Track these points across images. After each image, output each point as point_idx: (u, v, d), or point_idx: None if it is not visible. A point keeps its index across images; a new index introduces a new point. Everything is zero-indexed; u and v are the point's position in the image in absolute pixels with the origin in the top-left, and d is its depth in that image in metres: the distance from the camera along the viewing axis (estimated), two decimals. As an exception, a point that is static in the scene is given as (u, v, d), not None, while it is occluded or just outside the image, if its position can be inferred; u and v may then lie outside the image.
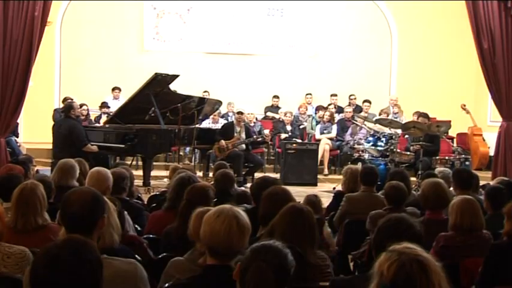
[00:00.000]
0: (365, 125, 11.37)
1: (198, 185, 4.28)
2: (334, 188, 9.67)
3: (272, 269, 2.14)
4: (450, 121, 12.24)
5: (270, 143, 12.27)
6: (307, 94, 14.11)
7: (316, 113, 13.26)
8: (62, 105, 11.60)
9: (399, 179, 5.34)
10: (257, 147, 11.67)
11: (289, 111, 13.00)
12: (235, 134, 10.61)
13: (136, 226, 4.54)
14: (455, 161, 9.77)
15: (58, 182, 5.23)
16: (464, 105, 12.65)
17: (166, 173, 9.44)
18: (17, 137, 11.68)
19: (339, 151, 12.21)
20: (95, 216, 2.79)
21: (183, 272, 3.05)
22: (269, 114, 13.88)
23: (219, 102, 11.13)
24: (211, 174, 9.33)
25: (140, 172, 9.59)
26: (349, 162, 9.87)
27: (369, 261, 2.98)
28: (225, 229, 2.65)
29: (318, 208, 4.91)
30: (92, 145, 9.07)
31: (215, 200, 4.18)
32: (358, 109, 13.33)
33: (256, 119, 12.72)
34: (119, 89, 13.26)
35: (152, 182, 9.44)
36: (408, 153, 10.23)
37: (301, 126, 12.94)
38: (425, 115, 10.60)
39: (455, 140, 13.14)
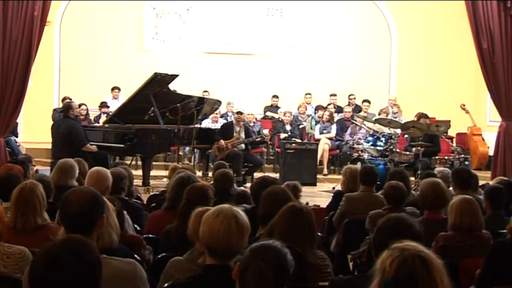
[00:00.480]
0: (364, 124, 11.37)
1: (198, 184, 4.28)
2: (333, 188, 9.67)
3: (271, 268, 2.14)
4: (449, 121, 12.23)
5: (269, 142, 12.27)
6: (306, 94, 14.10)
7: (315, 113, 13.27)
8: (61, 105, 11.60)
9: (399, 179, 5.34)
10: (256, 147, 11.66)
11: (289, 111, 13.00)
12: (235, 134, 10.61)
13: (135, 226, 4.54)
14: (454, 161, 9.77)
15: (57, 181, 5.23)
16: (464, 105, 12.66)
17: (165, 172, 9.44)
18: (17, 136, 11.67)
19: (338, 151, 12.20)
20: (94, 216, 2.79)
21: (182, 272, 3.05)
22: (268, 114, 13.88)
23: (219, 102, 11.13)
24: (210, 174, 9.33)
25: (140, 172, 9.59)
26: (349, 162, 9.88)
27: (368, 261, 2.98)
28: (224, 229, 2.65)
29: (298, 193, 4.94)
30: (91, 145, 9.07)
31: (215, 199, 4.18)
32: (357, 109, 13.33)
33: (256, 118, 12.72)
34: (119, 89, 13.25)
35: (151, 182, 9.44)
36: (408, 153, 10.23)
37: (300, 126, 12.94)
38: (425, 116, 10.59)
39: (454, 139, 13.14)
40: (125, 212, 4.01)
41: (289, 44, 14.62)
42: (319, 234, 3.89)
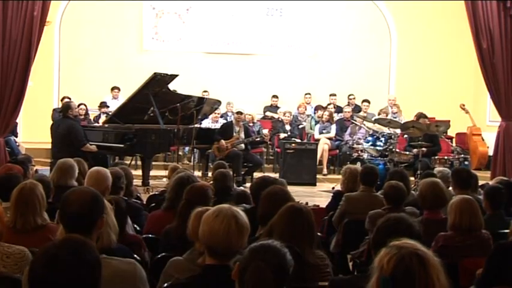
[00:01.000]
0: (364, 124, 11.37)
1: (197, 184, 4.28)
2: (333, 188, 9.68)
3: (271, 268, 2.14)
4: (449, 121, 12.25)
5: (269, 142, 12.27)
6: (306, 94, 14.10)
7: (315, 113, 13.28)
8: (60, 105, 11.60)
9: (398, 179, 5.34)
10: (256, 147, 11.67)
11: (288, 111, 13.01)
12: (235, 134, 10.61)
13: (135, 226, 4.54)
14: (454, 161, 9.77)
15: (57, 181, 5.23)
16: (464, 105, 12.66)
17: (165, 172, 9.44)
18: (16, 136, 11.67)
19: (338, 151, 12.20)
20: (94, 216, 2.78)
21: (182, 272, 3.05)
22: (268, 113, 13.88)
23: (218, 102, 11.13)
24: (210, 174, 9.33)
25: (139, 172, 9.58)
26: (348, 162, 9.88)
27: (368, 261, 2.98)
28: (224, 229, 2.65)
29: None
30: (91, 145, 9.06)
31: (214, 199, 4.18)
32: (357, 109, 13.33)
33: (256, 118, 12.71)
34: (118, 89, 13.25)
35: (151, 182, 9.44)
36: (407, 153, 10.23)
37: (300, 126, 12.94)
38: (424, 116, 10.59)
39: (454, 139, 13.16)
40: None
41: (289, 44, 14.62)
42: (318, 234, 3.89)
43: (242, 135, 10.66)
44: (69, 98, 12.13)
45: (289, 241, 2.74)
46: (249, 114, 12.26)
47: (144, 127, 9.54)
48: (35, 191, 3.73)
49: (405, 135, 10.67)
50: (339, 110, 13.43)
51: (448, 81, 14.42)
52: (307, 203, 6.82)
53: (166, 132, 9.59)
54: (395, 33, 14.73)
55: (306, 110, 13.58)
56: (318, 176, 11.23)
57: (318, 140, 12.18)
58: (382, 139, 10.26)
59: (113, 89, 13.29)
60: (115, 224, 3.19)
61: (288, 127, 12.62)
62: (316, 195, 9.57)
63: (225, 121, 12.10)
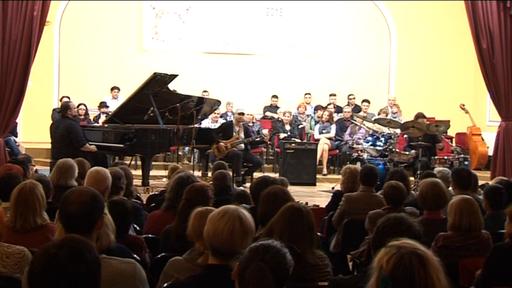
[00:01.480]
0: (364, 124, 11.37)
1: (197, 184, 4.27)
2: (333, 188, 9.68)
3: (271, 268, 2.14)
4: (449, 121, 12.23)
5: (268, 142, 12.27)
6: (306, 94, 14.11)
7: (315, 113, 13.28)
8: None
9: (398, 179, 5.34)
10: (256, 147, 11.67)
11: (288, 111, 13.01)
12: (234, 134, 10.61)
13: (135, 226, 4.54)
14: (454, 161, 9.77)
15: (57, 181, 5.23)
16: (463, 105, 12.66)
17: (165, 172, 9.44)
18: (16, 136, 11.67)
19: (337, 151, 12.21)
20: (94, 216, 2.78)
21: (182, 272, 3.05)
22: (268, 114, 13.88)
23: (218, 102, 11.12)
24: (210, 174, 9.33)
25: (139, 172, 9.59)
26: (348, 162, 9.89)
27: (367, 261, 2.98)
28: (228, 229, 2.66)
29: None
30: (91, 145, 9.06)
31: (214, 199, 4.18)
32: (357, 109, 13.34)
33: (256, 118, 12.71)
34: (118, 89, 13.25)
35: (151, 182, 9.44)
36: (407, 153, 10.23)
37: (300, 126, 12.94)
38: (422, 115, 10.59)
39: (454, 139, 13.17)
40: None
41: (289, 44, 14.62)
42: (318, 234, 3.89)
43: (242, 135, 10.66)
44: (68, 98, 12.14)
45: (289, 241, 2.74)
46: (250, 114, 12.26)
47: (144, 127, 9.54)
48: (35, 191, 3.72)
49: (405, 135, 10.67)
50: (338, 110, 13.44)
51: (448, 81, 14.43)
52: (307, 203, 6.82)
53: (166, 132, 9.59)
54: (395, 33, 14.73)
55: (305, 110, 13.59)
56: (317, 176, 11.23)
57: (318, 140, 12.19)
58: (382, 139, 10.26)
59: (112, 89, 13.29)
60: (112, 224, 3.19)
61: (287, 127, 12.62)
62: (316, 195, 9.58)
63: (224, 121, 12.10)
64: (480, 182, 6.27)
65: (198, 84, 13.52)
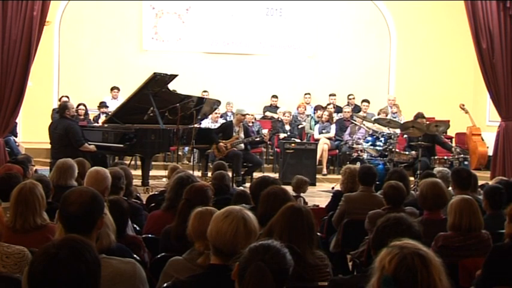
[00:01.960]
0: (364, 124, 11.37)
1: (197, 184, 4.27)
2: (332, 188, 9.68)
3: (271, 268, 2.14)
4: (449, 121, 12.24)
5: (268, 142, 12.27)
6: (305, 94, 14.11)
7: (314, 113, 13.28)
8: (60, 105, 11.60)
9: (398, 179, 5.33)
10: (256, 147, 11.67)
11: (288, 111, 13.01)
12: (234, 134, 10.60)
13: (134, 226, 4.53)
14: (454, 161, 9.76)
15: (57, 181, 5.23)
16: (463, 105, 12.66)
17: (165, 172, 9.44)
18: (16, 136, 11.68)
19: (337, 151, 12.21)
20: (93, 216, 2.78)
21: (181, 272, 3.05)
22: (268, 114, 13.89)
23: (218, 102, 11.12)
24: (210, 174, 9.32)
25: (139, 172, 9.59)
26: (348, 162, 9.89)
27: (367, 261, 2.98)
28: (232, 230, 2.66)
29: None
30: (90, 145, 9.05)
31: (214, 199, 4.19)
32: (356, 109, 13.34)
33: (255, 118, 12.71)
34: (118, 89, 13.25)
35: (151, 182, 9.44)
36: (407, 153, 10.23)
37: (299, 126, 12.95)
38: (422, 116, 10.58)
39: (454, 139, 13.16)
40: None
41: (289, 44, 14.62)
42: (318, 234, 3.89)
43: (242, 135, 10.66)
44: (68, 98, 12.15)
45: (289, 241, 2.74)
46: (250, 115, 12.25)
47: (144, 127, 9.54)
48: (35, 191, 3.72)
49: (405, 135, 10.67)
50: (338, 110, 13.44)
51: (448, 81, 14.43)
52: (306, 203, 6.82)
53: (166, 132, 9.59)
54: (394, 33, 14.73)
55: (305, 110, 13.59)
56: (317, 176, 11.23)
57: (318, 140, 12.19)
58: (382, 139, 10.26)
59: (112, 89, 13.29)
60: (113, 224, 3.19)
61: (287, 127, 12.62)
62: (315, 195, 9.57)
63: (224, 121, 12.09)
64: (480, 182, 6.27)
65: (198, 84, 13.53)
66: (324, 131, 12.49)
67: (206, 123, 12.12)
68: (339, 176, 7.25)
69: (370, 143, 10.37)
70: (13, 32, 9.07)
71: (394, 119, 11.55)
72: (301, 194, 6.53)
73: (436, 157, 9.91)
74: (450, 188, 5.54)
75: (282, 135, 12.22)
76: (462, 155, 10.10)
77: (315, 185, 10.80)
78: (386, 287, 1.98)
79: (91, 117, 12.73)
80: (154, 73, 9.42)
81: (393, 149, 10.05)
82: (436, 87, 14.39)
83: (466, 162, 9.92)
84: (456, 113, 12.80)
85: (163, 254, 3.72)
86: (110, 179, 4.76)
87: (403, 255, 1.99)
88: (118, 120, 9.81)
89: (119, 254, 2.94)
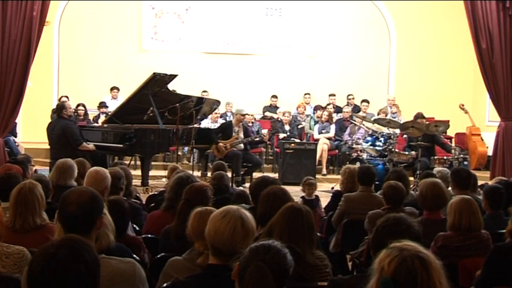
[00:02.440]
0: (363, 124, 11.37)
1: (197, 184, 4.27)
2: (332, 188, 9.68)
3: (271, 268, 2.14)
4: (448, 121, 12.23)
5: (268, 142, 12.27)
6: (305, 94, 14.11)
7: (314, 113, 13.28)
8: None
9: (397, 179, 5.33)
10: (255, 147, 11.67)
11: (288, 111, 13.02)
12: (234, 134, 10.61)
13: (134, 226, 4.53)
14: (453, 161, 9.77)
15: (56, 181, 5.22)
16: (463, 105, 12.66)
17: (164, 172, 9.44)
18: (16, 136, 11.68)
19: (337, 151, 12.21)
20: (93, 216, 2.78)
21: (181, 272, 3.05)
22: (267, 114, 13.89)
23: (218, 102, 11.12)
24: (209, 174, 9.32)
25: (138, 172, 9.59)
26: (348, 162, 9.88)
27: (367, 261, 2.98)
28: (230, 230, 2.66)
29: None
30: (89, 145, 9.03)
31: (214, 198, 4.18)
32: (356, 109, 13.33)
33: (255, 118, 12.71)
34: (118, 89, 13.25)
35: (150, 182, 9.44)
36: (407, 153, 10.23)
37: (299, 126, 12.95)
38: (421, 116, 10.58)
39: (453, 139, 13.16)
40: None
41: (288, 44, 14.63)
42: (318, 234, 3.88)
43: (241, 135, 10.66)
44: (67, 98, 12.16)
45: (289, 241, 2.74)
46: (249, 115, 12.25)
47: (144, 127, 9.54)
48: (34, 191, 3.72)
49: (404, 135, 10.67)
50: (338, 110, 13.44)
51: (448, 81, 14.43)
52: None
53: (165, 132, 9.59)
54: (394, 33, 14.73)
55: (305, 110, 13.59)
56: (317, 176, 11.17)
57: (317, 140, 12.19)
58: (382, 139, 10.25)
59: (112, 89, 13.29)
60: (112, 224, 3.18)
61: (287, 127, 12.63)
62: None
63: (224, 121, 12.10)
64: (480, 182, 6.27)
65: (198, 84, 13.53)
66: (323, 131, 12.49)
67: (206, 123, 12.12)
68: (339, 176, 7.25)
69: (369, 143, 10.37)
70: (13, 32, 9.07)
71: (394, 119, 11.55)
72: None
73: (435, 157, 9.91)
74: (450, 188, 5.54)
75: (281, 135, 12.22)
76: (462, 155, 10.10)
77: (314, 185, 10.80)
78: None
79: (91, 117, 12.73)
80: (154, 73, 9.42)
81: (393, 149, 10.05)
82: (435, 87, 14.39)
83: (465, 162, 9.92)
84: (456, 113, 12.80)
85: (162, 254, 3.72)
86: (110, 179, 4.76)
87: (402, 257, 1.98)
88: (118, 120, 9.81)
89: (118, 254, 2.94)
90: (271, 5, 14.49)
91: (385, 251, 2.04)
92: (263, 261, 2.14)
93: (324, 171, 11.94)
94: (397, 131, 10.55)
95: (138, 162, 10.52)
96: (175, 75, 9.76)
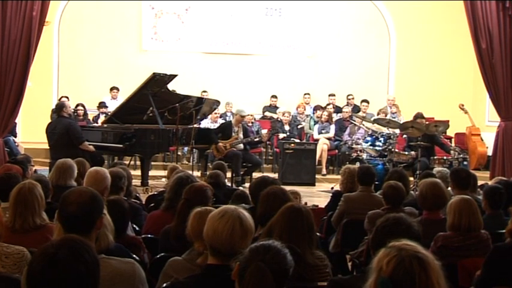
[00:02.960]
0: (363, 124, 11.37)
1: (196, 184, 4.27)
2: (332, 188, 9.68)
3: (271, 269, 2.14)
4: (448, 121, 12.24)
5: (268, 142, 12.26)
6: (305, 94, 14.11)
7: (314, 113, 13.28)
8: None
9: (397, 179, 5.33)
10: (255, 147, 11.67)
11: (287, 111, 13.01)
12: (233, 134, 10.60)
13: (134, 226, 4.53)
14: (453, 161, 9.77)
15: (56, 181, 5.22)
16: (463, 105, 12.65)
17: (164, 172, 9.42)
18: (15, 136, 11.67)
19: (337, 151, 12.20)
20: (93, 216, 2.78)
21: (181, 272, 3.05)
22: (267, 114, 13.88)
23: (217, 102, 11.12)
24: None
25: (138, 172, 9.58)
26: (347, 162, 9.88)
27: (367, 261, 2.97)
28: (228, 229, 2.66)
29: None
30: (89, 145, 9.03)
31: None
32: (356, 109, 13.33)
33: (255, 119, 12.71)
34: (117, 89, 13.24)
35: (150, 182, 9.44)
36: (406, 153, 10.23)
37: (299, 126, 12.94)
38: (421, 116, 10.58)
39: (453, 139, 13.16)
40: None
41: (288, 44, 14.62)
42: (318, 234, 3.89)
43: (241, 135, 10.66)
44: (67, 98, 12.16)
45: (289, 241, 2.74)
46: (250, 115, 12.24)
47: (143, 127, 9.54)
48: (34, 191, 3.72)
49: (404, 135, 10.67)
50: (338, 110, 13.44)
51: (447, 81, 14.43)
52: (306, 203, 6.82)
53: (165, 132, 9.59)
54: (394, 33, 14.73)
55: (305, 110, 13.59)
56: (317, 176, 11.22)
57: (317, 140, 12.18)
58: (381, 139, 10.25)
59: (111, 89, 13.28)
60: (111, 224, 3.18)
61: (287, 127, 12.62)
62: (315, 195, 9.57)
63: (224, 121, 12.09)
64: (479, 182, 6.26)
65: (197, 84, 13.53)
66: (323, 131, 12.48)
67: (205, 124, 12.11)
68: (339, 176, 7.25)
69: (369, 143, 10.37)
70: (12, 32, 9.07)
71: (394, 119, 11.55)
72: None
73: (435, 157, 9.91)
74: (449, 188, 5.54)
75: (281, 136, 12.22)
76: (461, 155, 10.10)
77: (314, 185, 10.81)
78: None
79: (90, 117, 12.72)
80: (154, 73, 9.41)
81: (393, 149, 10.05)
82: (435, 88, 14.39)
83: (465, 162, 9.92)
84: (456, 113, 12.79)
85: (162, 254, 3.72)
86: (110, 179, 4.76)
87: (401, 257, 1.97)
88: (117, 120, 9.81)
89: (117, 254, 2.94)
90: (271, 5, 14.49)
91: (383, 250, 2.03)
92: (263, 262, 2.14)
93: (324, 171, 11.94)
94: (397, 131, 10.55)
95: (138, 162, 10.51)
96: (175, 75, 9.76)
